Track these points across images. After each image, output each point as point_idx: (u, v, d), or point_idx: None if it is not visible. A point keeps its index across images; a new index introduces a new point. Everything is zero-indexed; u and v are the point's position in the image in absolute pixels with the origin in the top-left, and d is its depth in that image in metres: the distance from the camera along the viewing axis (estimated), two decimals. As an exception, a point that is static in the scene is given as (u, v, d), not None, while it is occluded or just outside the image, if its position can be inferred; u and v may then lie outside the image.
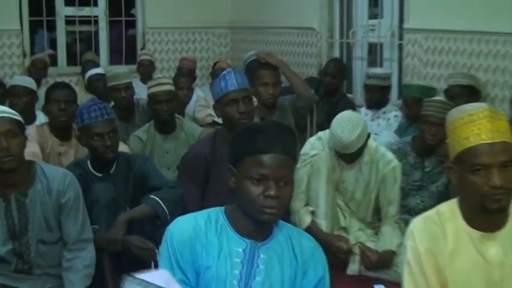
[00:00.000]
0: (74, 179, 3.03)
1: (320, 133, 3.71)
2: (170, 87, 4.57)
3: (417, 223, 2.17)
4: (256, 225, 2.06)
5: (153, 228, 3.24)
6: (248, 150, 2.01)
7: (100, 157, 3.41)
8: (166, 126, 4.48)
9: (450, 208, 2.16)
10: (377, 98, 5.15)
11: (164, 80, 4.65)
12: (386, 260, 3.52)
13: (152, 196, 3.32)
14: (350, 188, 3.66)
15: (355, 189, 3.66)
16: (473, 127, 2.03)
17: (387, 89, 5.23)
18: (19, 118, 2.94)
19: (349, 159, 3.58)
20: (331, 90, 5.56)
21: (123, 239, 3.18)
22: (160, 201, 3.29)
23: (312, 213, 3.61)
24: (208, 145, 3.55)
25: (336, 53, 6.56)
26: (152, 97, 4.47)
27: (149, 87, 4.57)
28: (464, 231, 2.11)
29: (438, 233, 2.12)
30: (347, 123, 3.42)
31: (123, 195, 3.44)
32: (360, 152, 3.55)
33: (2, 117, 2.85)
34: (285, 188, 2.00)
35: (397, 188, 3.64)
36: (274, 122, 2.34)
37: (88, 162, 3.47)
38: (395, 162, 3.63)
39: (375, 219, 3.75)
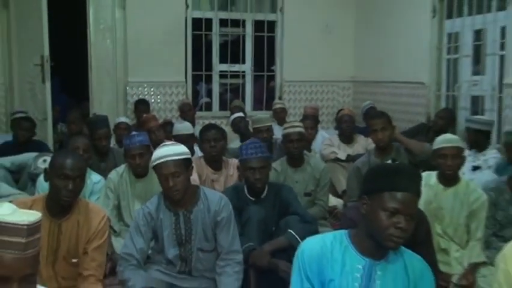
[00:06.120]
0: (228, 202, 3.09)
1: None
2: (301, 129, 4.52)
3: (510, 248, 2.10)
4: (377, 247, 2.04)
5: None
6: (388, 186, 1.99)
7: (250, 186, 3.55)
8: (296, 161, 4.47)
9: None
10: (473, 140, 4.88)
11: (296, 124, 4.65)
12: (474, 271, 3.49)
13: (291, 231, 3.38)
14: (448, 214, 3.63)
15: (452, 215, 3.62)
16: None
17: (484, 133, 4.90)
18: (184, 156, 2.96)
19: (449, 178, 3.58)
20: (438, 131, 5.42)
21: (271, 261, 3.27)
22: (297, 236, 3.32)
23: None
24: None
25: (443, 104, 6.42)
26: (286, 136, 4.47)
27: (284, 128, 4.58)
28: None
29: None
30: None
31: (271, 216, 3.53)
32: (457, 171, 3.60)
33: (166, 161, 2.90)
34: (411, 223, 1.99)
35: (485, 217, 3.61)
36: (409, 165, 2.32)
37: (244, 187, 3.61)
38: (484, 197, 3.61)
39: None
